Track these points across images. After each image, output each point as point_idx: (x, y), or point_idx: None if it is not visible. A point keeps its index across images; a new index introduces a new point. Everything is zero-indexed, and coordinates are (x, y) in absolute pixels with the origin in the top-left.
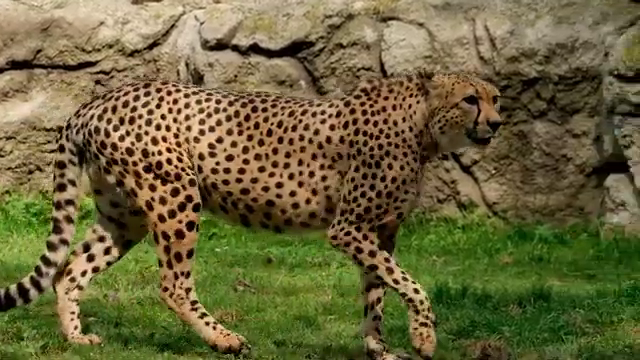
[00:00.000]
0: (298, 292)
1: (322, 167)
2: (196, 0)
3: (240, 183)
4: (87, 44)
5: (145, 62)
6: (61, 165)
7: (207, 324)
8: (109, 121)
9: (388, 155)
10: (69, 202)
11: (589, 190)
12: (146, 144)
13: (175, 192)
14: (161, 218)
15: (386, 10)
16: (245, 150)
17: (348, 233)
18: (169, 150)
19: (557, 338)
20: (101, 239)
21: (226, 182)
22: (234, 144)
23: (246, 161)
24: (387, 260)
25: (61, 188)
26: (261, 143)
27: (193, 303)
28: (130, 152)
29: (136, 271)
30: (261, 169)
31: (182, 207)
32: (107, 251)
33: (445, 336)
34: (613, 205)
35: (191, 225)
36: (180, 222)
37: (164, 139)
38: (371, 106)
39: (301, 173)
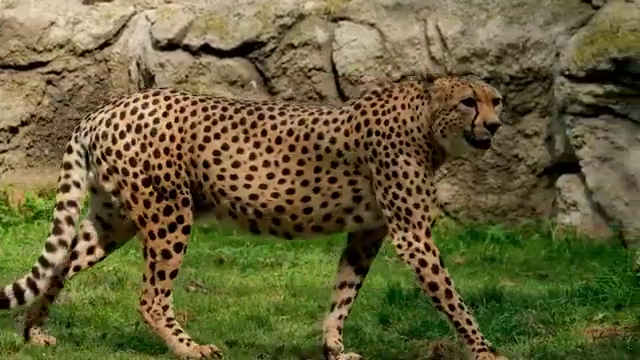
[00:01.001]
0: (250, 292)
1: (347, 173)
2: (147, 0)
3: (248, 189)
4: (38, 44)
5: (96, 62)
6: (67, 166)
7: (181, 340)
8: (116, 127)
9: (402, 153)
10: (71, 203)
11: (541, 190)
12: (149, 156)
13: (168, 211)
14: (151, 235)
15: (337, 10)
16: (252, 157)
17: (410, 244)
18: (169, 164)
19: (509, 338)
20: (86, 236)
21: (234, 188)
22: (240, 151)
23: (254, 168)
24: (448, 281)
25: (65, 189)
26: (269, 150)
27: (169, 320)
28: (133, 162)
29: (88, 271)
30: (270, 176)
31: (172, 228)
32: (90, 250)
33: (397, 336)
34: (565, 205)
35: (179, 247)
36: (168, 242)
37: (166, 151)
38: (382, 106)
39: (318, 180)
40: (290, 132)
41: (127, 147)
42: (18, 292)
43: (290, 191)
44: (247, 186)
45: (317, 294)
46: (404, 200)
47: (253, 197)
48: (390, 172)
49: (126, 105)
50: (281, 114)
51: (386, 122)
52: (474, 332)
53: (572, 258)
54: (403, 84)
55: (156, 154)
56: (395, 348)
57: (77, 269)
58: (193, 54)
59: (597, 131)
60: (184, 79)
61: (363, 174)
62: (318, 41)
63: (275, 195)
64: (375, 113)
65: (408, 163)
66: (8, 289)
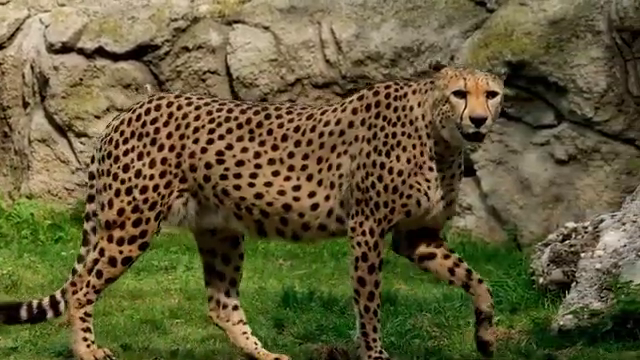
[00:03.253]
0: (144, 296)
1: (339, 155)
2: (41, 3)
3: (253, 187)
4: None
5: None
6: (91, 176)
7: (85, 339)
8: (122, 133)
9: (399, 146)
10: (97, 214)
11: None
12: (144, 165)
13: (136, 223)
14: (109, 239)
15: (232, 13)
16: (257, 155)
17: (363, 233)
18: (162, 174)
19: (404, 342)
20: (212, 253)
21: (237, 187)
22: (245, 150)
23: (258, 166)
24: (376, 285)
25: (90, 199)
26: (275, 148)
27: (86, 314)
28: (126, 169)
29: None
30: (275, 173)
31: (132, 240)
32: (226, 260)
33: (292, 340)
34: (459, 209)
35: (127, 260)
36: (120, 252)
37: (163, 161)
38: (396, 90)
39: (320, 171)
40: (297, 128)
41: (126, 153)
42: (54, 303)
43: (296, 188)
44: (251, 185)
45: None
46: (378, 194)
47: (258, 196)
48: (379, 161)
49: (134, 112)
50: (289, 113)
51: (395, 109)
52: (375, 340)
53: (467, 261)
54: (421, 79)
55: (151, 164)
56: (290, 352)
57: (234, 283)
58: (87, 57)
59: (491, 134)
60: (78, 82)
61: (349, 153)
62: (212, 44)
63: (281, 193)
64: (387, 96)
65: (398, 159)
66: (45, 301)
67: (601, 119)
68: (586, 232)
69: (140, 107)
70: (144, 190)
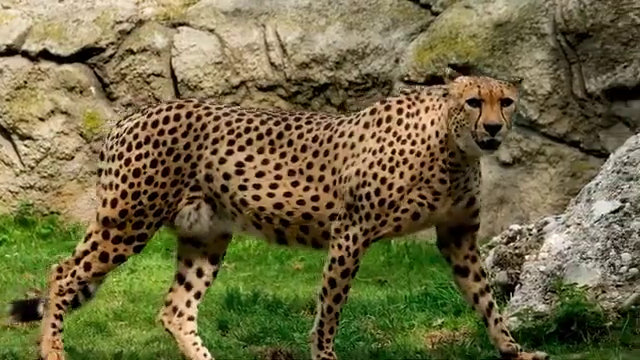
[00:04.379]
0: None
1: (347, 168)
2: None
3: (272, 198)
4: None
5: None
6: (100, 173)
7: (53, 326)
8: (136, 136)
9: (405, 163)
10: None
11: None
12: (156, 172)
13: (137, 226)
14: (105, 235)
15: (176, 16)
16: (277, 167)
17: (347, 237)
18: (174, 183)
19: (349, 344)
20: (188, 263)
21: (256, 197)
22: (265, 161)
23: (278, 177)
24: (346, 290)
25: None
26: (295, 159)
27: (64, 302)
28: (137, 173)
29: None
30: (295, 184)
31: (129, 241)
32: (199, 273)
33: (236, 342)
34: None
35: (119, 258)
36: (115, 250)
37: (177, 171)
38: (408, 107)
39: (334, 182)
40: (315, 138)
41: (138, 158)
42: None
43: (315, 198)
44: (271, 195)
45: (156, 300)
46: (372, 206)
47: (278, 206)
48: (380, 176)
49: (149, 116)
50: (308, 122)
51: (407, 126)
52: (328, 341)
53: (411, 264)
54: (433, 87)
55: (165, 172)
56: (234, 354)
57: (198, 296)
58: (32, 60)
59: None
60: (23, 85)
61: (356, 167)
62: (157, 47)
63: (301, 202)
64: (400, 112)
65: (402, 176)
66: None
67: (546, 121)
68: (530, 234)
69: (158, 113)
70: (152, 197)
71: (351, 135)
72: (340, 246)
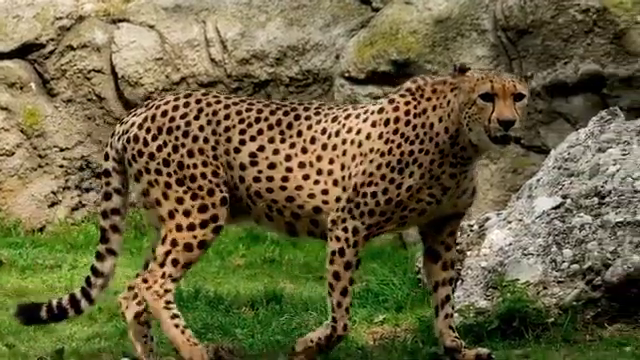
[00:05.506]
0: (29, 294)
1: (356, 166)
2: None
3: (284, 191)
4: None
5: None
6: (106, 173)
7: (176, 326)
8: (148, 130)
9: (414, 163)
10: (115, 211)
11: None
12: (182, 156)
13: (203, 209)
14: (178, 228)
15: (117, 12)
16: (288, 158)
17: (345, 229)
18: (205, 164)
19: (290, 340)
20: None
21: (270, 190)
22: (276, 152)
23: (289, 169)
24: (351, 282)
25: (107, 197)
26: (304, 151)
27: (167, 302)
28: (166, 163)
29: None
30: (305, 177)
31: (204, 224)
32: None
33: None
34: None
35: (202, 244)
36: (195, 237)
37: (201, 151)
38: (415, 107)
39: (343, 178)
40: (324, 131)
41: (159, 149)
42: (74, 302)
43: (324, 192)
44: (283, 188)
45: None
46: (377, 204)
47: (289, 199)
48: (389, 177)
49: (157, 108)
50: (317, 113)
51: (414, 127)
52: (339, 337)
53: None
54: (436, 81)
55: (190, 154)
56: (175, 350)
57: None
58: None
59: None
60: None
61: (363, 166)
62: (97, 43)
63: (311, 196)
64: (407, 113)
65: (411, 175)
66: (65, 300)
67: None
68: (472, 231)
69: (166, 104)
70: (193, 179)
71: (358, 132)
72: (339, 238)
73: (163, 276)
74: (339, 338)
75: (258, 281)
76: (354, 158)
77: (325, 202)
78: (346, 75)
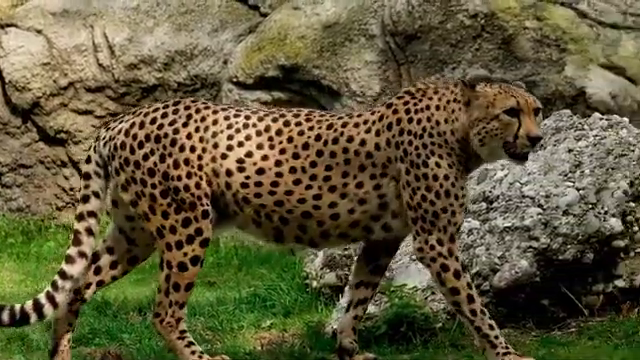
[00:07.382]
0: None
1: (373, 177)
2: None
3: (273, 195)
4: None
5: None
6: (86, 176)
7: (193, 353)
8: (135, 137)
9: (433, 154)
10: (91, 214)
11: None
12: (168, 167)
13: (186, 223)
14: (168, 247)
15: (4, 17)
16: (278, 163)
17: (433, 247)
18: (189, 175)
19: None
20: (109, 250)
21: (258, 195)
22: (265, 158)
23: (279, 174)
24: (470, 286)
25: (85, 200)
26: (296, 156)
27: (182, 332)
28: (151, 173)
29: None
30: (296, 182)
31: (190, 240)
32: (114, 265)
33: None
34: None
35: (195, 260)
36: (185, 255)
37: (186, 162)
38: (415, 104)
39: (345, 185)
40: (318, 137)
41: (146, 157)
42: (38, 307)
43: (316, 197)
44: (272, 193)
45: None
46: (432, 203)
47: (278, 204)
48: (420, 173)
49: (145, 115)
50: (308, 120)
51: (419, 121)
52: (497, 337)
53: (240, 265)
54: (438, 84)
55: (175, 165)
56: None
57: (100, 284)
58: None
59: None
60: None
61: (390, 175)
62: None
63: (302, 201)
64: (408, 112)
65: (439, 165)
66: (28, 305)
67: None
68: None
69: (154, 111)
70: (176, 191)
71: (363, 144)
72: (433, 259)
73: (171, 305)
74: (497, 338)
75: (146, 286)
76: (363, 169)
77: (316, 207)
78: (234, 80)
